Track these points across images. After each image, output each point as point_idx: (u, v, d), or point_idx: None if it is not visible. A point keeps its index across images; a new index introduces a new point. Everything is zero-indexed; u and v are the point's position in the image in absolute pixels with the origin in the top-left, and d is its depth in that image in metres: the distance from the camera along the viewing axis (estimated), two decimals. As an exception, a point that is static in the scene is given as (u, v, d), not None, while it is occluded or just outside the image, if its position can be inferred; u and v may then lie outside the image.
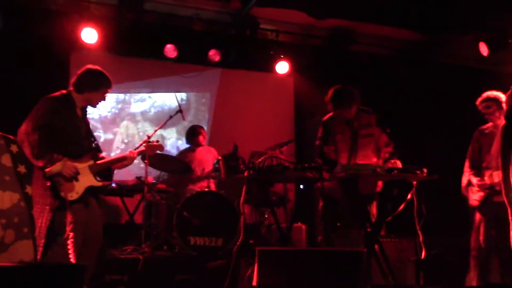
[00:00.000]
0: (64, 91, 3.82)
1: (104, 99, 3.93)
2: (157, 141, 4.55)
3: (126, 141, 7.34)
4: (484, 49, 6.95)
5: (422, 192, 4.05)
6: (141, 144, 4.38)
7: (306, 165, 4.19)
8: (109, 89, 3.92)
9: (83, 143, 3.82)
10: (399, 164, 4.29)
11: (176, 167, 6.12)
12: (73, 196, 3.61)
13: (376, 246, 4.07)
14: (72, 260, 3.37)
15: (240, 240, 4.34)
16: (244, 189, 4.33)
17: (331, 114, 4.69)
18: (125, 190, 6.09)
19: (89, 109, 4.06)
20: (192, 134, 6.60)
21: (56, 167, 3.53)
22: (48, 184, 3.51)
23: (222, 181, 5.92)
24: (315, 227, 4.62)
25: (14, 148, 3.46)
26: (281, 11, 6.88)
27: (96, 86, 3.84)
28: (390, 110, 4.65)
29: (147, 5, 6.71)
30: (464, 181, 4.72)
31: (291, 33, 7.50)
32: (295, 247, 5.48)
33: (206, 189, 5.82)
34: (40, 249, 3.49)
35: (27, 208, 3.50)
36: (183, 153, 6.65)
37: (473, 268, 4.60)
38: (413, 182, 4.10)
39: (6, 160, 3.41)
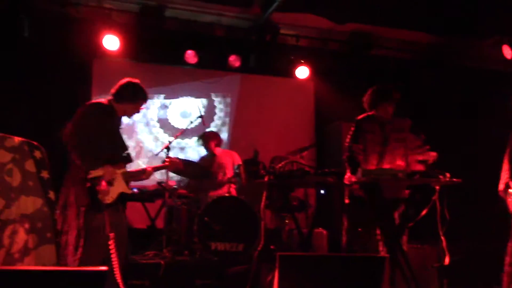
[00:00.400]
0: (106, 100, 3.92)
1: (139, 111, 4.09)
2: (177, 158, 4.67)
3: (146, 147, 7.39)
4: (507, 52, 6.84)
5: (445, 196, 3.98)
6: (162, 165, 4.43)
7: (327, 170, 4.16)
8: (145, 102, 4.08)
9: (119, 151, 3.94)
10: (431, 155, 4.24)
11: (197, 172, 6.14)
12: (108, 199, 3.71)
13: (398, 252, 4.01)
14: (115, 261, 3.46)
15: (261, 245, 4.34)
16: (264, 194, 4.33)
17: (365, 114, 4.64)
18: (146, 195, 6.13)
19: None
20: (202, 143, 6.65)
21: (98, 171, 3.64)
22: (88, 185, 3.59)
23: (243, 186, 5.92)
24: (339, 229, 4.55)
25: (37, 154, 3.51)
26: (301, 16, 6.88)
27: (134, 98, 3.99)
28: (410, 114, 4.59)
29: (168, 12, 6.79)
30: (501, 184, 4.58)
31: (311, 38, 7.50)
32: (316, 253, 5.45)
33: (227, 194, 5.83)
34: (80, 249, 3.56)
35: (50, 213, 3.54)
36: (204, 158, 6.68)
37: (508, 275, 4.41)
38: (436, 187, 4.03)
39: (30, 166, 3.46)
